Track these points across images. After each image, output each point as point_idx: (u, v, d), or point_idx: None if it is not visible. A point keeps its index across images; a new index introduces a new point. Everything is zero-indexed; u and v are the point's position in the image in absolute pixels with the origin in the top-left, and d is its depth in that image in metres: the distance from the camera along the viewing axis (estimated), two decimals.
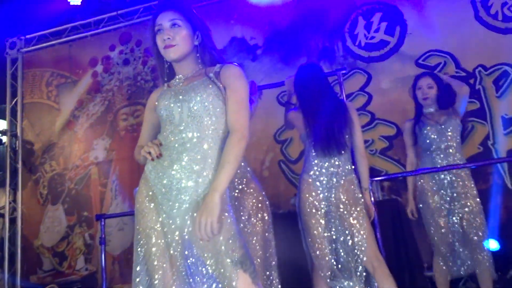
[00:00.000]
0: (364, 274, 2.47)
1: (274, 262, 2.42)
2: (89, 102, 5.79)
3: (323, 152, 2.61)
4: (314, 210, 2.58)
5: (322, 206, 2.60)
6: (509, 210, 3.92)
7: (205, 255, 1.59)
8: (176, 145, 1.67)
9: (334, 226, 2.59)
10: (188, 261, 1.62)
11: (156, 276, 1.60)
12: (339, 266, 2.52)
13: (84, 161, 5.63)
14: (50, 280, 5.44)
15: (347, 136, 2.66)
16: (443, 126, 3.10)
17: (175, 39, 1.72)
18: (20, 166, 5.81)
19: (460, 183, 3.04)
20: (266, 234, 2.40)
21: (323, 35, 4.85)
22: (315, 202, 2.59)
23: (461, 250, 3.01)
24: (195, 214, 1.60)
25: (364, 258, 2.46)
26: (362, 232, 2.50)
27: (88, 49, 5.89)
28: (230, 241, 1.58)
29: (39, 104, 6.06)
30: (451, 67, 4.37)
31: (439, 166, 3.08)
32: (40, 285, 5.42)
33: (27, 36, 6.07)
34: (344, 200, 2.57)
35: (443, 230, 3.00)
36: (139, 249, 1.67)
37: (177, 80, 1.79)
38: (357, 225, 2.52)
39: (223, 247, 1.57)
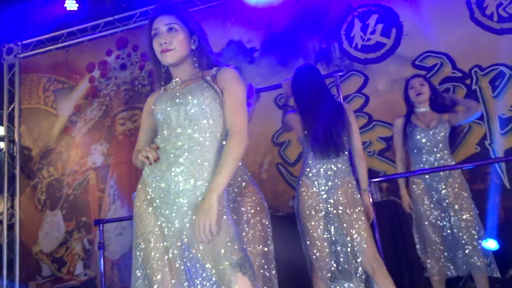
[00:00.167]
0: (364, 275, 2.48)
1: (273, 265, 2.42)
2: (86, 107, 5.79)
3: (322, 154, 2.61)
4: (313, 212, 2.59)
5: (321, 208, 2.60)
6: (507, 210, 3.93)
7: (204, 258, 1.59)
8: (174, 149, 1.67)
9: (333, 227, 2.59)
10: (188, 264, 1.62)
11: (155, 279, 1.60)
12: (339, 267, 2.52)
13: (82, 167, 5.62)
14: (49, 286, 5.43)
15: (345, 138, 2.66)
16: (433, 130, 3.13)
17: (172, 43, 1.73)
18: (18, 172, 5.80)
19: (452, 186, 3.06)
20: (265, 237, 2.40)
21: (320, 37, 4.87)
22: (313, 204, 2.60)
23: (455, 252, 3.02)
24: (194, 217, 1.60)
25: (364, 260, 2.46)
26: (361, 234, 2.50)
27: (85, 54, 5.90)
28: (229, 244, 1.58)
29: (36, 110, 6.05)
30: (448, 67, 4.39)
31: (427, 167, 3.11)
32: None
33: (24, 42, 6.08)
34: (342, 201, 2.58)
35: (434, 234, 3.02)
36: (138, 253, 1.66)
37: (174, 84, 1.79)
38: (356, 226, 2.52)
39: (222, 250, 1.57)
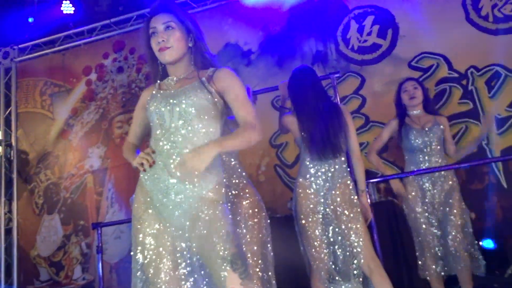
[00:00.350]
0: (361, 276, 2.48)
1: (271, 266, 2.42)
2: (83, 110, 5.78)
3: (319, 156, 2.62)
4: (311, 214, 2.59)
5: (319, 209, 2.60)
6: (504, 210, 3.94)
7: (202, 254, 1.60)
8: (168, 149, 1.68)
9: (331, 229, 2.59)
10: (188, 264, 1.62)
11: (156, 280, 1.60)
12: (337, 268, 2.52)
13: (79, 170, 5.61)
14: None
15: (342, 140, 2.67)
16: (428, 132, 3.14)
17: (169, 41, 1.74)
18: (15, 176, 5.78)
19: (443, 186, 3.07)
20: (263, 238, 2.40)
21: (316, 39, 4.88)
22: (311, 205, 2.60)
23: (447, 251, 3.05)
24: (193, 213, 1.61)
25: (362, 261, 2.47)
26: (358, 235, 2.51)
27: (81, 58, 5.89)
28: (223, 240, 1.58)
29: (33, 114, 6.03)
30: (444, 68, 4.40)
31: (422, 168, 3.14)
32: None
33: (21, 46, 6.06)
34: (340, 203, 2.58)
35: (429, 234, 3.04)
36: (138, 256, 1.66)
37: (169, 81, 1.80)
38: (354, 227, 2.53)
39: (216, 246, 1.57)
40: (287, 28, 4.98)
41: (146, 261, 1.63)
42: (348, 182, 2.64)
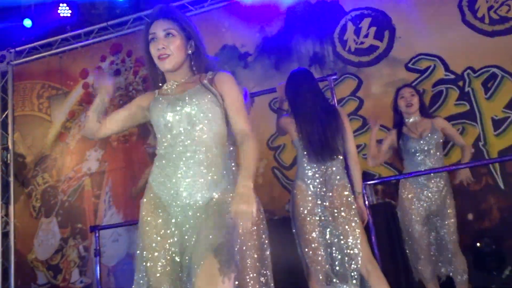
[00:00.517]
0: (359, 278, 2.48)
1: (269, 269, 2.41)
2: (81, 113, 5.77)
3: (316, 158, 2.62)
4: (308, 216, 2.59)
5: (316, 211, 2.60)
6: (502, 211, 3.95)
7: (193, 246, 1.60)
8: (178, 153, 1.68)
9: (328, 231, 2.59)
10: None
11: (158, 280, 1.59)
12: (334, 270, 2.52)
13: (77, 173, 5.59)
14: None
15: (339, 141, 2.67)
16: (426, 139, 3.17)
17: (169, 48, 1.73)
18: (12, 179, 5.76)
19: (440, 190, 3.09)
20: (261, 240, 2.39)
21: (313, 41, 4.88)
22: (308, 207, 2.60)
23: (442, 254, 3.06)
24: (203, 216, 1.61)
25: (359, 263, 2.47)
26: (356, 237, 2.51)
27: (79, 61, 5.88)
28: (213, 229, 1.58)
29: (30, 117, 6.02)
30: (440, 70, 4.42)
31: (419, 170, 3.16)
32: None
33: (17, 49, 6.04)
34: (337, 204, 2.58)
35: (425, 237, 3.04)
36: (141, 260, 1.66)
37: (170, 85, 1.80)
38: (351, 229, 2.53)
39: (208, 235, 1.58)
40: (284, 30, 4.99)
41: (150, 268, 1.62)
42: (346, 184, 2.64)
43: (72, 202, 5.53)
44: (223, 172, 1.70)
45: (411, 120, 3.26)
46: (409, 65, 4.51)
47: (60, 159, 5.72)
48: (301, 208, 2.60)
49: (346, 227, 2.53)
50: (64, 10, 5.64)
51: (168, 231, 1.65)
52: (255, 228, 2.39)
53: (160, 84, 1.83)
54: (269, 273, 2.36)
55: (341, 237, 2.53)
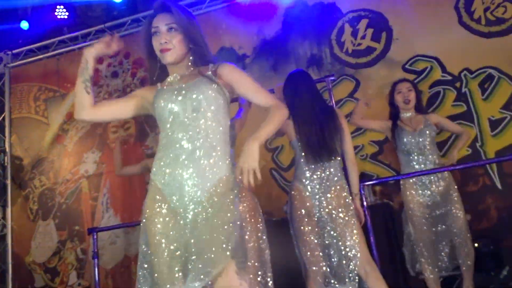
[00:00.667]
0: (357, 279, 2.48)
1: (269, 270, 2.41)
2: None
3: (314, 159, 2.63)
4: (306, 217, 2.59)
5: (314, 212, 2.61)
6: (499, 211, 3.97)
7: (200, 242, 1.59)
8: (182, 142, 1.68)
9: (326, 232, 2.60)
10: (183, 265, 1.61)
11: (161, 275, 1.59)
12: (332, 272, 2.52)
13: (74, 175, 5.58)
14: None
15: (337, 143, 2.68)
16: (420, 133, 3.20)
17: (171, 42, 1.76)
18: (9, 182, 5.74)
19: (442, 188, 3.10)
20: (260, 241, 2.40)
21: (311, 43, 4.89)
22: (306, 208, 2.60)
23: (446, 250, 3.06)
24: (210, 210, 1.61)
25: (357, 263, 2.47)
26: (353, 238, 2.51)
27: (76, 63, 5.80)
28: (228, 231, 1.58)
29: (27, 119, 6.00)
30: (437, 71, 4.43)
31: (416, 170, 3.18)
32: None
33: (14, 51, 6.03)
34: (335, 205, 2.59)
35: (427, 234, 3.04)
36: (144, 258, 1.67)
37: (172, 78, 1.81)
38: (349, 230, 2.53)
39: (221, 236, 1.57)
40: (281, 32, 5.00)
41: (153, 258, 1.63)
42: (344, 185, 2.65)
43: (69, 205, 5.51)
44: (225, 163, 1.71)
45: (407, 115, 3.29)
46: (406, 66, 4.53)
47: (57, 161, 5.70)
48: (299, 210, 2.61)
49: (344, 228, 2.54)
50: (61, 12, 5.63)
51: (171, 225, 1.65)
52: (254, 228, 2.40)
53: (155, 78, 1.85)
54: (268, 274, 2.36)
55: (339, 238, 2.54)
